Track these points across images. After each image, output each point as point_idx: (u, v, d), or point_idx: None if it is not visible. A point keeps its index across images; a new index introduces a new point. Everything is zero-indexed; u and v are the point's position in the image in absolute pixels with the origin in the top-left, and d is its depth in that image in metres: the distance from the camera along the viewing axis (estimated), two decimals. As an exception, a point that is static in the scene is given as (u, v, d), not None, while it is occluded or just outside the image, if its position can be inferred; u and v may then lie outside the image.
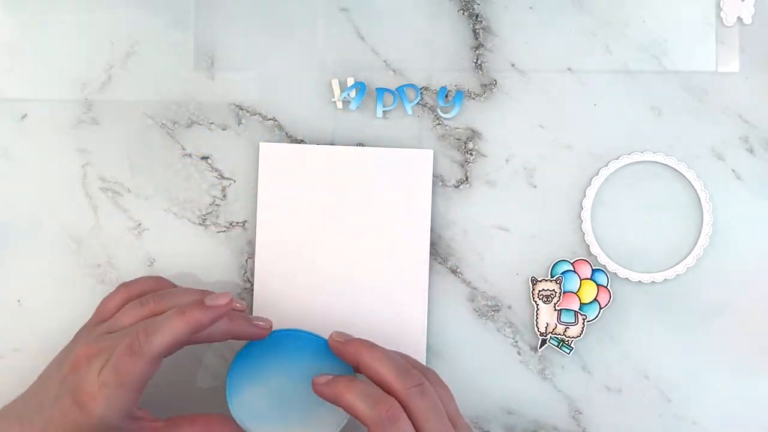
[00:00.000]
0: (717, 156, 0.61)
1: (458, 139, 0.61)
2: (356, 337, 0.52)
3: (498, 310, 0.60)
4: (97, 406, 0.47)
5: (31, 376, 0.56)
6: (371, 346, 0.50)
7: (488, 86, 0.61)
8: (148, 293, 0.53)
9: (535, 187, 0.61)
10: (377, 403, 0.46)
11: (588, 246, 0.60)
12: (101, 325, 0.52)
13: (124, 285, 0.55)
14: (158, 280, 0.56)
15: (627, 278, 0.60)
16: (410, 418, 0.47)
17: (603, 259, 0.60)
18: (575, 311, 0.59)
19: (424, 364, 0.59)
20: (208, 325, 0.49)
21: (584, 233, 0.60)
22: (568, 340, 0.59)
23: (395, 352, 0.52)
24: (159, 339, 0.47)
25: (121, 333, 0.49)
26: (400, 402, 0.47)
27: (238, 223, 0.60)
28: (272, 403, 0.52)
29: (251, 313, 0.59)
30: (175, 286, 0.56)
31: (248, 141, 0.60)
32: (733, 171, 0.61)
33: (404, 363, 0.49)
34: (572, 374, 0.60)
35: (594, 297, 0.59)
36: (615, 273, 0.60)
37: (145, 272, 0.60)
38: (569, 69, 0.61)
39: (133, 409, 0.48)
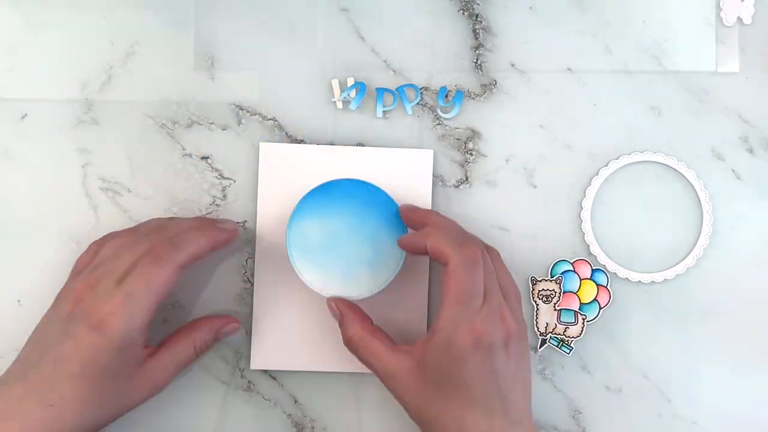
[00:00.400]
0: (717, 156, 0.61)
1: (458, 139, 0.61)
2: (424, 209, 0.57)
3: (498, 310, 0.60)
4: (118, 319, 0.49)
5: (31, 376, 0.56)
6: (437, 217, 0.55)
7: (488, 86, 0.61)
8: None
9: (535, 187, 0.61)
10: (462, 245, 0.51)
11: (588, 246, 0.60)
12: (86, 268, 0.53)
13: (95, 243, 0.56)
14: (126, 232, 0.56)
15: (627, 278, 0.60)
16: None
17: (603, 259, 0.60)
18: (575, 311, 0.59)
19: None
20: (224, 245, 0.54)
21: (584, 233, 0.60)
22: (567, 340, 0.59)
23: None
24: (185, 249, 0.51)
25: (122, 251, 0.52)
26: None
27: (238, 223, 0.60)
28: (324, 245, 0.57)
29: (251, 314, 0.60)
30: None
31: (248, 141, 0.60)
32: (733, 171, 0.61)
33: (464, 237, 0.53)
34: (572, 374, 0.60)
35: (594, 297, 0.59)
36: (615, 273, 0.60)
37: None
38: (569, 69, 0.61)
39: (148, 324, 0.51)
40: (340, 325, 0.55)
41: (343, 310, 0.55)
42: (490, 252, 0.56)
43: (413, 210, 0.57)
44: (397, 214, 0.57)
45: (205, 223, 0.56)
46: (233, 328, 0.57)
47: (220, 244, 0.54)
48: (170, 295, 0.52)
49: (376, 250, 0.57)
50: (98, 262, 0.53)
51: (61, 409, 0.49)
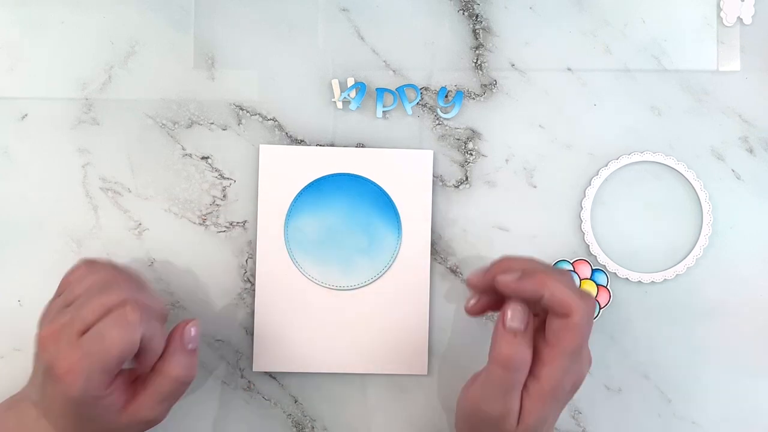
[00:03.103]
0: (717, 156, 0.61)
1: (458, 139, 0.61)
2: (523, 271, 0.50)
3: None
4: (76, 378, 0.46)
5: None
6: (549, 272, 0.49)
7: (488, 86, 0.61)
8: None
9: (535, 187, 0.61)
10: (583, 297, 0.48)
11: (588, 246, 0.60)
12: (60, 296, 0.51)
13: (76, 268, 0.52)
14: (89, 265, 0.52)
15: (627, 278, 0.60)
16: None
17: (603, 259, 0.60)
18: (575, 311, 0.59)
19: (425, 363, 0.59)
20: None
21: (584, 233, 0.60)
22: (568, 340, 0.59)
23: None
24: (143, 325, 0.47)
25: (91, 304, 0.47)
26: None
27: (238, 223, 0.60)
28: (320, 238, 0.59)
29: (252, 314, 0.60)
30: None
31: (248, 141, 0.60)
32: (733, 171, 0.61)
33: (581, 290, 0.50)
34: (572, 374, 0.60)
35: (594, 297, 0.59)
36: (615, 273, 0.60)
37: (146, 272, 0.60)
38: (569, 69, 0.61)
39: (111, 379, 0.48)
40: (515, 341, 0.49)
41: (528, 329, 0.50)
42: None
43: (522, 279, 0.49)
44: (389, 202, 0.58)
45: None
46: (191, 329, 0.51)
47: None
48: (134, 351, 0.48)
49: (371, 238, 0.59)
50: (67, 301, 0.49)
51: None
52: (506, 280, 0.49)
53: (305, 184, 0.59)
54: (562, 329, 0.47)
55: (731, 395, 0.60)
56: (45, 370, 0.47)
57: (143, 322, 0.47)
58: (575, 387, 0.50)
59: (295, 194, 0.59)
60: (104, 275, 0.50)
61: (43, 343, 0.47)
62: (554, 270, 0.50)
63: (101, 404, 0.48)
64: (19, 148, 0.60)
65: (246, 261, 0.60)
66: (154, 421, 0.51)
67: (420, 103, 0.61)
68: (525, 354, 0.48)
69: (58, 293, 0.52)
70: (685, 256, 0.60)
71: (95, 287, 0.49)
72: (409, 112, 0.60)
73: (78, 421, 0.48)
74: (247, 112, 0.61)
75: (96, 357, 0.46)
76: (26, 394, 0.52)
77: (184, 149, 0.61)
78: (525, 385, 0.48)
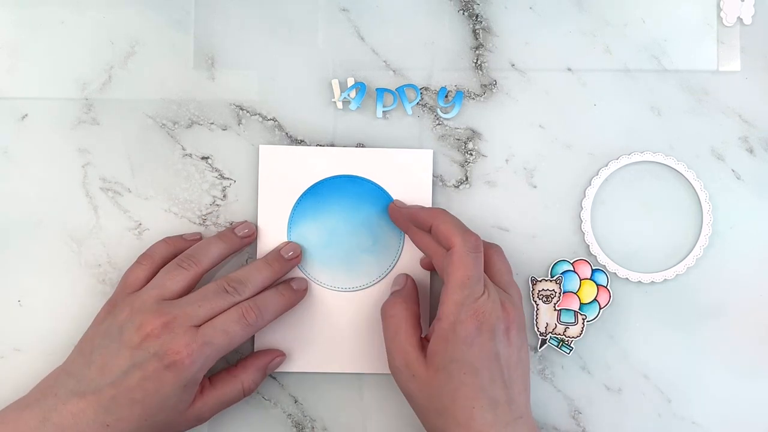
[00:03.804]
0: (717, 156, 0.61)
1: (458, 139, 0.61)
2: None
3: (498, 310, 0.60)
4: (193, 363, 0.51)
5: (31, 376, 0.56)
6: (441, 210, 0.56)
7: (488, 86, 0.61)
8: (168, 257, 0.57)
9: (535, 187, 0.61)
10: (466, 232, 0.53)
11: (588, 246, 0.60)
12: (145, 292, 0.54)
13: (146, 256, 0.57)
14: (169, 241, 0.59)
15: (627, 278, 0.60)
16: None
17: (603, 259, 0.60)
18: (575, 311, 0.59)
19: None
20: (300, 299, 0.58)
21: (584, 233, 0.60)
22: (567, 340, 0.59)
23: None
24: (268, 316, 0.55)
25: (199, 300, 0.53)
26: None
27: (238, 222, 0.60)
28: (324, 241, 0.59)
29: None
30: (182, 237, 0.59)
31: (248, 141, 0.60)
32: (733, 171, 0.61)
33: (466, 228, 0.54)
34: (572, 374, 0.60)
35: (594, 297, 0.59)
36: (615, 273, 0.60)
37: (145, 272, 0.60)
38: (569, 69, 0.61)
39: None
40: (394, 293, 0.57)
41: (409, 287, 0.57)
42: (492, 248, 0.56)
43: (415, 209, 0.57)
44: (389, 200, 0.59)
45: (281, 282, 0.58)
46: (280, 361, 0.58)
47: (293, 304, 0.58)
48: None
49: (375, 237, 0.59)
50: (161, 295, 0.54)
51: (116, 430, 0.51)
52: (408, 209, 0.57)
53: (306, 188, 0.59)
54: (447, 262, 0.52)
55: (731, 395, 0.60)
56: (150, 358, 0.51)
57: (257, 325, 0.54)
58: (482, 325, 0.51)
59: (295, 195, 0.59)
60: (191, 267, 0.56)
61: (151, 329, 0.52)
62: (450, 215, 0.55)
63: (193, 390, 0.53)
64: (19, 148, 0.60)
65: (246, 261, 0.60)
66: (202, 421, 0.55)
67: (420, 103, 0.61)
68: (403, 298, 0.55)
69: (130, 287, 0.56)
70: (685, 256, 0.60)
71: (210, 290, 0.54)
72: (409, 112, 0.60)
73: (148, 410, 0.51)
74: (247, 112, 0.61)
75: (216, 347, 0.52)
76: (61, 390, 0.52)
77: (184, 149, 0.61)
78: (432, 328, 0.52)
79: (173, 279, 0.55)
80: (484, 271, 0.53)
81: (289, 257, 0.58)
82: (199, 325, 0.53)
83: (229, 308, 0.54)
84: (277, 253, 0.58)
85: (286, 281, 0.58)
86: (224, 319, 0.53)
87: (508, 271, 0.56)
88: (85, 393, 0.51)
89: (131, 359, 0.51)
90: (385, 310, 0.55)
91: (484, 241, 0.55)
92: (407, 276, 0.58)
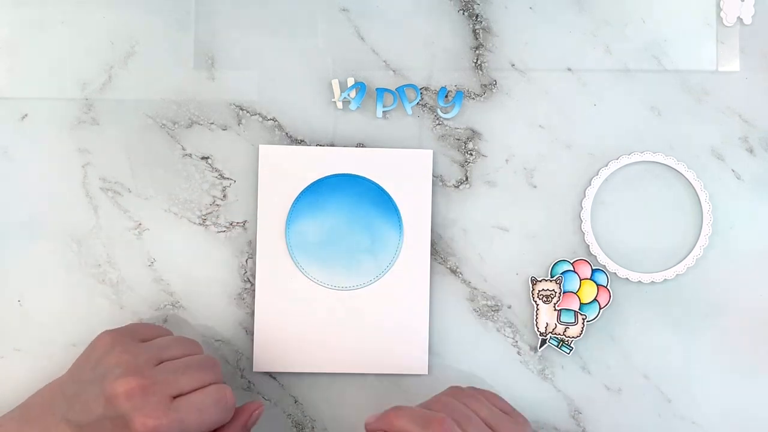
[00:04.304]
0: (717, 156, 0.61)
1: (458, 139, 0.61)
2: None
3: (498, 310, 0.60)
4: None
5: (31, 375, 0.56)
6: (396, 409, 0.51)
7: (488, 86, 0.61)
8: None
9: (535, 187, 0.61)
10: (429, 422, 0.49)
11: (588, 246, 0.60)
12: (146, 349, 0.52)
13: (144, 326, 0.56)
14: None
15: (627, 278, 0.60)
16: None
17: (603, 259, 0.60)
18: (575, 311, 0.59)
19: (425, 363, 0.59)
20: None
21: (584, 233, 0.60)
22: (567, 340, 0.59)
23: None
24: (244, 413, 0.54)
25: (182, 369, 0.51)
26: None
27: (238, 223, 0.60)
28: (323, 240, 0.59)
29: (252, 315, 0.60)
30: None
31: (248, 141, 0.60)
32: (733, 171, 0.61)
33: (423, 414, 0.50)
34: (572, 374, 0.60)
35: (594, 297, 0.59)
36: (615, 273, 0.60)
37: (146, 272, 0.60)
38: (569, 69, 0.61)
39: None
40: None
41: None
42: (485, 396, 0.55)
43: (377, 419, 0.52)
44: (389, 201, 0.59)
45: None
46: (258, 414, 0.55)
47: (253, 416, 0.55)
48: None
49: (373, 236, 0.59)
50: (155, 358, 0.52)
51: None
52: (367, 421, 0.52)
53: (305, 186, 0.59)
54: None
55: (731, 395, 0.60)
56: (120, 417, 0.48)
57: (232, 410, 0.52)
58: None
59: (295, 195, 0.59)
60: (188, 345, 0.54)
61: (131, 390, 0.49)
62: (406, 410, 0.50)
63: None
64: (19, 148, 0.60)
65: (246, 261, 0.60)
66: None
67: (420, 103, 0.61)
68: None
69: (139, 336, 0.54)
70: (685, 256, 0.60)
71: (195, 360, 0.52)
72: (409, 112, 0.60)
73: None
74: (247, 112, 0.61)
75: (188, 425, 0.49)
76: (55, 409, 0.51)
77: (184, 149, 0.61)
78: None
79: (177, 352, 0.53)
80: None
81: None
82: (176, 396, 0.50)
83: (210, 385, 0.52)
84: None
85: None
86: (202, 398, 0.51)
87: (506, 414, 0.54)
88: (71, 423, 0.50)
89: (105, 409, 0.49)
90: None
91: (473, 392, 0.54)
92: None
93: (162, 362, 0.51)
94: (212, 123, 0.61)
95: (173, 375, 0.51)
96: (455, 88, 0.61)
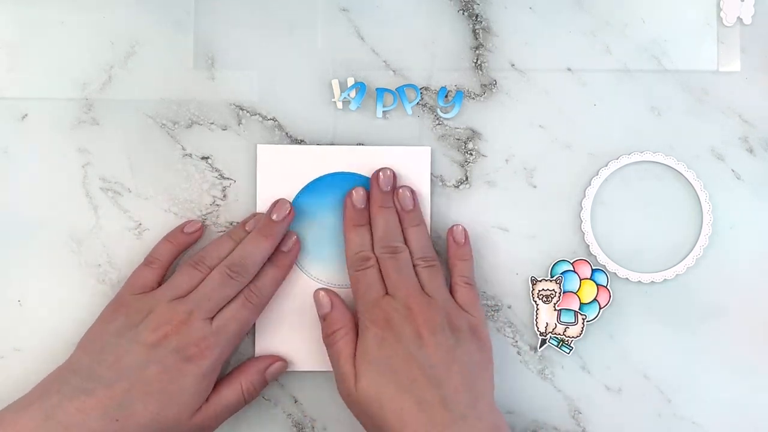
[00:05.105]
0: (717, 156, 0.61)
1: (458, 139, 0.61)
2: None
3: (498, 310, 0.60)
4: (211, 352, 0.54)
5: (31, 375, 0.56)
6: (383, 209, 0.58)
7: (488, 86, 0.61)
8: (174, 255, 0.58)
9: (535, 187, 0.61)
10: (359, 251, 0.57)
11: (588, 246, 0.60)
12: (161, 294, 0.55)
13: (152, 258, 0.58)
14: (172, 239, 0.59)
15: (627, 278, 0.60)
16: (382, 274, 0.56)
17: (603, 259, 0.60)
18: (575, 311, 0.59)
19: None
20: (295, 258, 0.59)
21: (584, 233, 0.60)
22: (567, 340, 0.59)
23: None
24: (269, 293, 0.57)
25: (208, 293, 0.55)
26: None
27: (238, 223, 0.60)
28: (322, 238, 0.59)
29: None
30: (182, 231, 0.59)
31: (248, 141, 0.60)
32: (733, 171, 0.61)
33: (390, 231, 0.57)
34: (572, 374, 0.60)
35: (594, 297, 0.59)
36: (615, 273, 0.60)
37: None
38: (569, 69, 0.61)
39: (228, 359, 0.57)
40: (324, 318, 0.57)
41: (336, 303, 0.57)
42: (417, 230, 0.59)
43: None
44: None
45: (275, 255, 0.58)
46: (280, 366, 0.58)
47: (290, 267, 0.59)
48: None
49: None
50: (178, 293, 0.55)
51: (125, 426, 0.51)
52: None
53: (304, 184, 0.59)
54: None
55: (731, 395, 0.60)
56: (172, 350, 0.53)
57: (262, 305, 0.57)
58: (387, 326, 0.53)
59: (294, 194, 0.59)
60: (199, 267, 0.56)
61: (167, 327, 0.53)
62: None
63: (209, 381, 0.54)
64: (19, 148, 0.60)
65: (246, 261, 0.60)
66: (209, 430, 0.56)
67: (420, 103, 0.61)
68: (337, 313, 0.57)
69: (140, 288, 0.56)
70: (685, 256, 0.60)
71: (215, 281, 0.55)
72: (409, 112, 0.61)
73: (161, 404, 0.52)
74: (247, 112, 0.61)
75: (229, 334, 0.55)
76: (66, 388, 0.51)
77: (184, 149, 0.61)
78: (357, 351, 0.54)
79: (188, 282, 0.56)
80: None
81: (282, 218, 0.57)
82: (212, 318, 0.55)
83: (236, 295, 0.56)
84: (268, 220, 0.57)
85: (277, 249, 0.58)
86: (233, 308, 0.55)
87: (425, 243, 0.59)
88: (95, 389, 0.51)
89: (148, 356, 0.52)
90: (327, 344, 0.56)
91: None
92: (328, 293, 0.58)
93: (177, 298, 0.55)
94: (212, 123, 0.61)
95: (201, 301, 0.54)
96: (455, 88, 0.61)
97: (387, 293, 0.55)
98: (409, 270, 0.56)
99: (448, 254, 0.59)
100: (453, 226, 0.59)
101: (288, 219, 0.57)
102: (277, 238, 0.57)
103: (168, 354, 0.53)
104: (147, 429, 0.52)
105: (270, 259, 0.57)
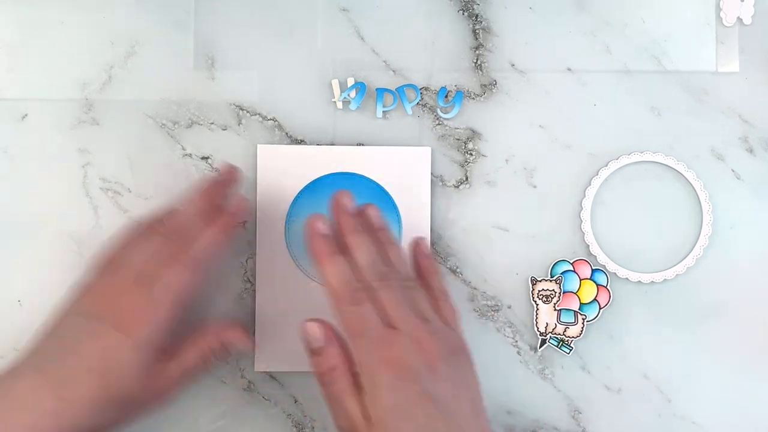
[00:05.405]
0: (717, 156, 0.61)
1: (458, 139, 0.61)
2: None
3: (498, 310, 0.60)
4: (141, 320, 0.51)
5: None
6: (358, 233, 0.53)
7: (488, 86, 0.61)
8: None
9: (535, 187, 0.61)
10: (348, 283, 0.51)
11: (588, 246, 0.60)
12: (97, 266, 0.54)
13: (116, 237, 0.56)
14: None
15: (627, 278, 0.60)
16: (378, 305, 0.50)
17: (603, 259, 0.60)
18: (575, 311, 0.59)
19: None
20: (234, 221, 0.56)
21: (584, 233, 0.60)
22: (567, 340, 0.59)
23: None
24: (203, 251, 0.53)
25: (144, 257, 0.53)
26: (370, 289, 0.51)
27: (237, 223, 0.60)
28: None
29: (252, 315, 0.60)
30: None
31: (248, 141, 0.61)
32: (733, 171, 0.61)
33: (374, 257, 0.52)
34: (572, 374, 0.60)
35: (594, 297, 0.59)
36: (615, 273, 0.60)
37: (145, 272, 0.60)
38: (569, 69, 0.61)
39: (168, 328, 0.52)
40: (318, 352, 0.52)
41: (330, 335, 0.52)
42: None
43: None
44: (388, 199, 0.59)
45: (212, 211, 0.55)
46: (237, 336, 0.55)
47: (231, 225, 0.56)
48: (194, 296, 0.53)
49: None
50: (117, 262, 0.53)
51: (74, 404, 0.49)
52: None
53: (304, 184, 0.59)
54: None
55: (731, 395, 0.60)
56: (103, 318, 0.51)
57: (190, 261, 0.53)
58: (403, 368, 0.48)
59: (294, 194, 0.59)
60: (141, 236, 0.54)
61: (100, 293, 0.52)
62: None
63: (149, 353, 0.51)
64: (19, 148, 0.60)
65: (246, 261, 0.60)
66: (167, 394, 0.53)
67: (420, 103, 0.61)
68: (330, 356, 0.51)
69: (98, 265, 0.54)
70: (685, 256, 0.60)
71: (141, 247, 0.53)
72: (409, 112, 0.61)
73: (106, 379, 0.50)
74: (247, 112, 0.61)
75: (159, 298, 0.51)
76: (21, 368, 0.51)
77: (184, 149, 0.61)
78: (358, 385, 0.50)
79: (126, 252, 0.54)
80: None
81: (223, 177, 0.57)
82: (149, 286, 0.52)
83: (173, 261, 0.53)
84: (205, 180, 0.56)
85: (219, 208, 0.56)
86: (160, 267, 0.52)
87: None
88: (44, 367, 0.50)
89: (85, 326, 0.51)
90: (324, 383, 0.51)
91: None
92: (322, 325, 0.52)
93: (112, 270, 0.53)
94: (212, 123, 0.61)
95: (131, 264, 0.52)
96: (455, 88, 0.61)
97: (386, 325, 0.50)
98: (405, 296, 0.51)
99: (419, 270, 0.55)
100: (417, 239, 0.56)
101: (229, 179, 0.57)
102: (214, 198, 0.55)
103: (101, 323, 0.50)
104: (96, 404, 0.50)
105: (212, 218, 0.55)
